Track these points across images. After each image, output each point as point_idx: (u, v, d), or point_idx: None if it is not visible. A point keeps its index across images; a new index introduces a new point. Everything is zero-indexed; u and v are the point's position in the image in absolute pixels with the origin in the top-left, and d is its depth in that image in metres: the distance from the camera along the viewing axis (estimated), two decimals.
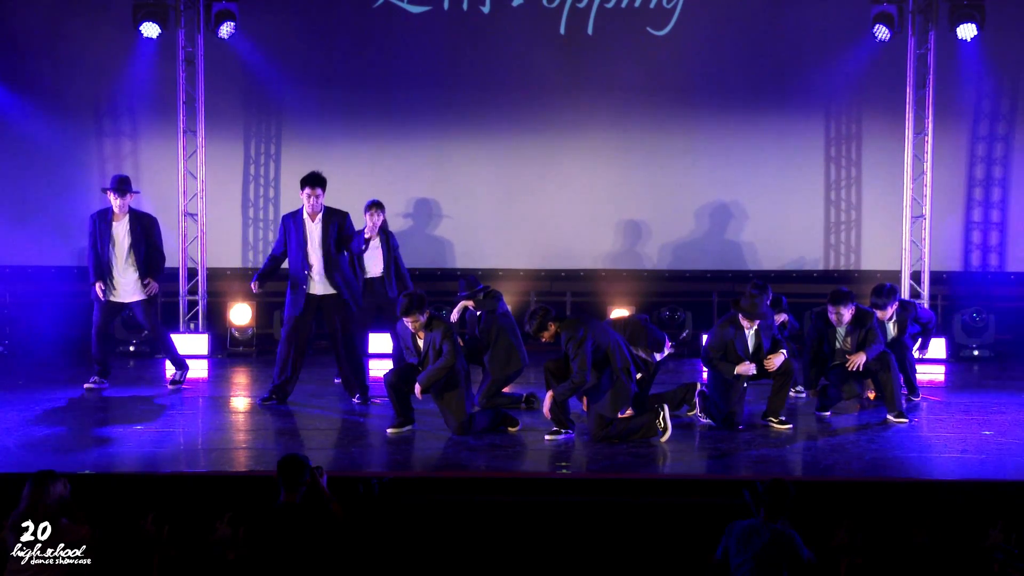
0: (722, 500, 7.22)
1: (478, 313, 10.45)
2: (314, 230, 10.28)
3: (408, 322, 9.17)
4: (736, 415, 9.42)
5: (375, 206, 11.51)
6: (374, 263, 11.52)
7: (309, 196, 10.26)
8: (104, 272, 10.89)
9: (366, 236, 11.30)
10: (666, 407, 9.14)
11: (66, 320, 13.92)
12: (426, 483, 7.78)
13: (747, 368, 9.37)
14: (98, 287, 10.85)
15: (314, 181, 10.30)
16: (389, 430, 9.24)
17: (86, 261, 11.10)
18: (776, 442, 8.99)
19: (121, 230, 10.96)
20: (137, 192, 11.41)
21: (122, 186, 10.99)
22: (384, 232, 11.55)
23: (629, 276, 14.48)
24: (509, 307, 10.80)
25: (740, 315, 9.47)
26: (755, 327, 9.49)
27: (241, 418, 10.26)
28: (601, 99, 14.47)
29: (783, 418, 9.51)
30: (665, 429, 8.99)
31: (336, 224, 10.28)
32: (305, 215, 10.31)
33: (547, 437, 9.00)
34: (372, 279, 11.51)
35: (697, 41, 14.45)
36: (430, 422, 9.46)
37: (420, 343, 9.23)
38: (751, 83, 14.47)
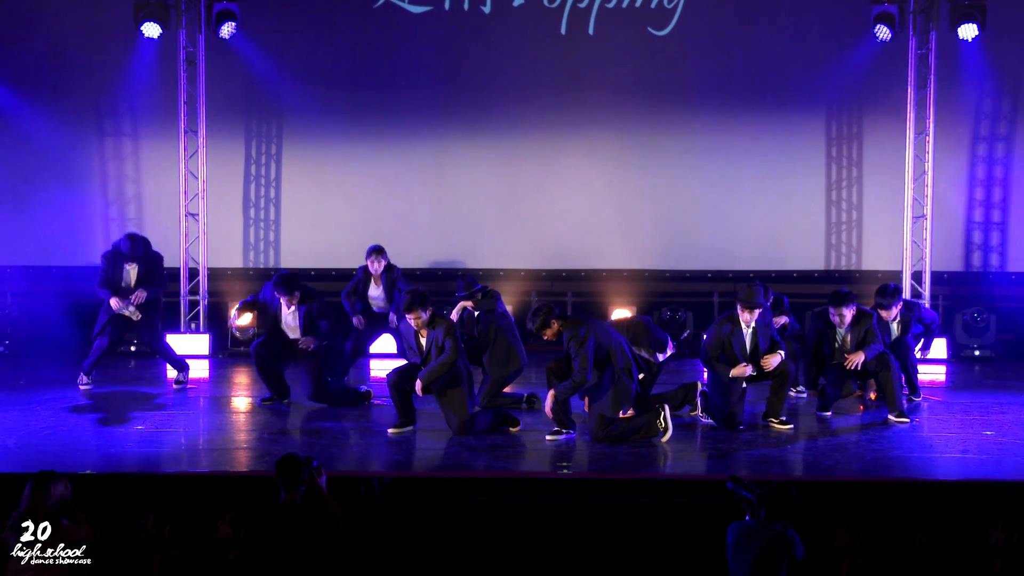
0: (722, 500, 7.21)
1: (476, 313, 10.46)
2: (290, 317, 10.37)
3: (411, 319, 9.16)
4: (737, 415, 9.41)
5: (376, 252, 11.63)
6: (380, 303, 11.70)
7: (289, 303, 10.33)
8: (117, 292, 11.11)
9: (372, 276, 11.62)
10: (667, 407, 9.14)
11: (66, 320, 13.91)
12: (427, 483, 7.78)
13: (743, 370, 9.34)
14: (115, 301, 11.00)
15: (289, 287, 10.29)
16: (390, 430, 9.24)
17: (97, 289, 11.17)
18: (777, 442, 8.99)
19: (132, 272, 11.19)
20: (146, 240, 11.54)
21: (135, 247, 11.14)
22: (388, 273, 11.62)
23: (630, 276, 14.48)
24: (509, 307, 10.80)
25: (739, 306, 9.43)
26: (753, 324, 9.45)
27: (242, 418, 10.26)
28: (602, 99, 14.46)
29: (784, 418, 9.51)
30: (666, 429, 8.98)
31: (306, 310, 10.32)
32: (282, 301, 10.37)
33: (548, 437, 9.00)
34: (379, 314, 11.70)
35: (698, 41, 14.45)
36: (431, 422, 9.46)
37: (423, 341, 9.23)
38: (752, 83, 14.46)
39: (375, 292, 11.71)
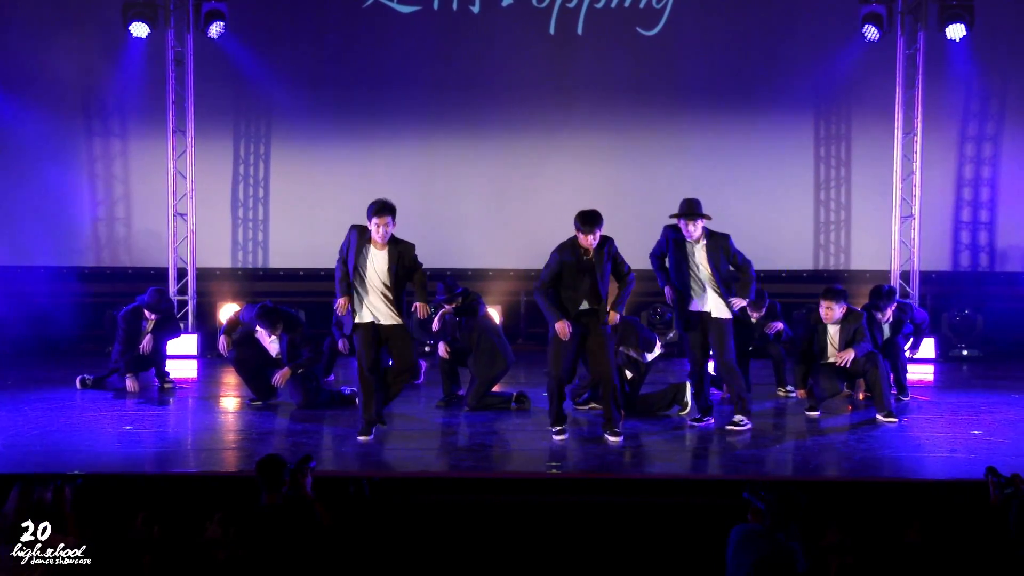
0: (713, 500, 7.22)
1: (457, 318, 10.44)
2: (272, 345, 10.40)
3: (377, 224, 9.08)
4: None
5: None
6: None
7: (270, 333, 10.39)
8: (138, 364, 11.20)
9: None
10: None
11: (54, 321, 13.88)
12: (416, 483, 7.77)
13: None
14: (130, 383, 11.04)
15: (272, 321, 10.31)
16: (359, 437, 9.08)
17: (116, 354, 11.19)
18: (765, 442, 9.00)
19: (150, 323, 11.26)
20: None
21: (160, 304, 11.22)
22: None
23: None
24: (498, 307, 10.78)
25: (680, 220, 9.62)
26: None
27: (231, 418, 10.24)
28: (591, 99, 14.49)
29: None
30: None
31: (288, 339, 10.37)
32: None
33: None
34: None
35: (687, 41, 14.48)
36: (419, 422, 9.44)
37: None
38: (741, 83, 14.49)
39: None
